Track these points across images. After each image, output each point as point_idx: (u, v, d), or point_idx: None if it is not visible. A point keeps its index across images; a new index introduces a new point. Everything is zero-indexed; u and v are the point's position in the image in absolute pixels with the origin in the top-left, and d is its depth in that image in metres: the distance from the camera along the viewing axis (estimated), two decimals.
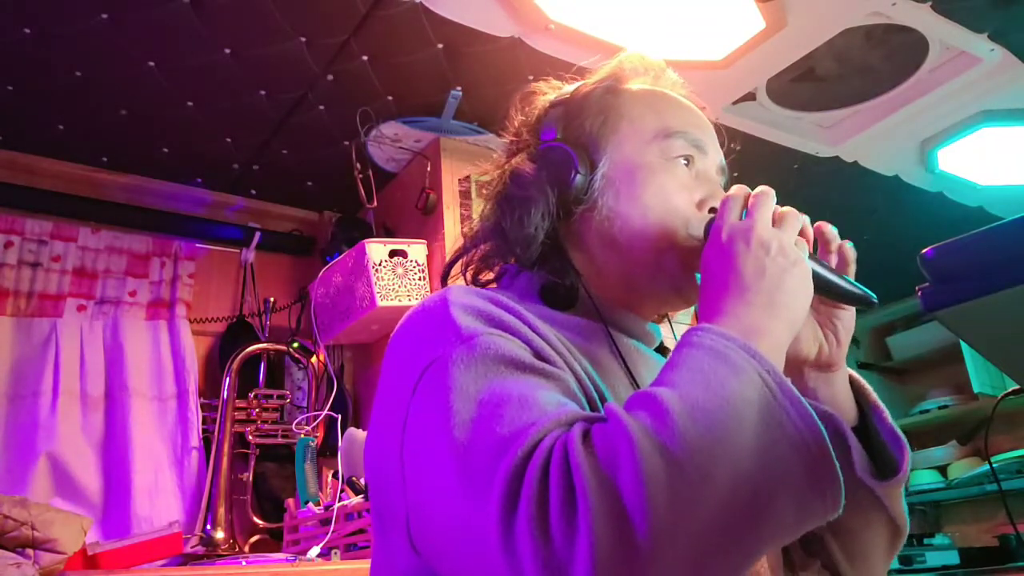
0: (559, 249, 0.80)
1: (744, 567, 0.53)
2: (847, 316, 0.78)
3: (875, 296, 0.73)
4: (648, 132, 0.81)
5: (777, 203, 0.72)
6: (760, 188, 0.72)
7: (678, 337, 0.82)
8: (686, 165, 0.81)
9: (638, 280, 0.80)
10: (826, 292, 0.73)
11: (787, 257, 0.67)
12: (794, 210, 0.72)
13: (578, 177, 0.79)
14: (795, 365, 0.77)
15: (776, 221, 0.70)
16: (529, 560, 0.49)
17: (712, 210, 0.79)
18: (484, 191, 0.87)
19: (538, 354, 0.65)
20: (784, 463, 0.54)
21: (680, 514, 0.49)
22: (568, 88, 0.88)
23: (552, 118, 0.85)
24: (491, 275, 0.86)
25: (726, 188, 0.83)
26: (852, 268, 0.77)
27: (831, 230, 0.78)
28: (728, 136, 0.88)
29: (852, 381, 0.81)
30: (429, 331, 0.66)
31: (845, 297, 0.75)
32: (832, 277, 0.73)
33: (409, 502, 0.62)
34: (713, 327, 0.61)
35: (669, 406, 0.53)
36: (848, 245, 0.78)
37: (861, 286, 0.74)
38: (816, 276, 0.70)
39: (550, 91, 0.89)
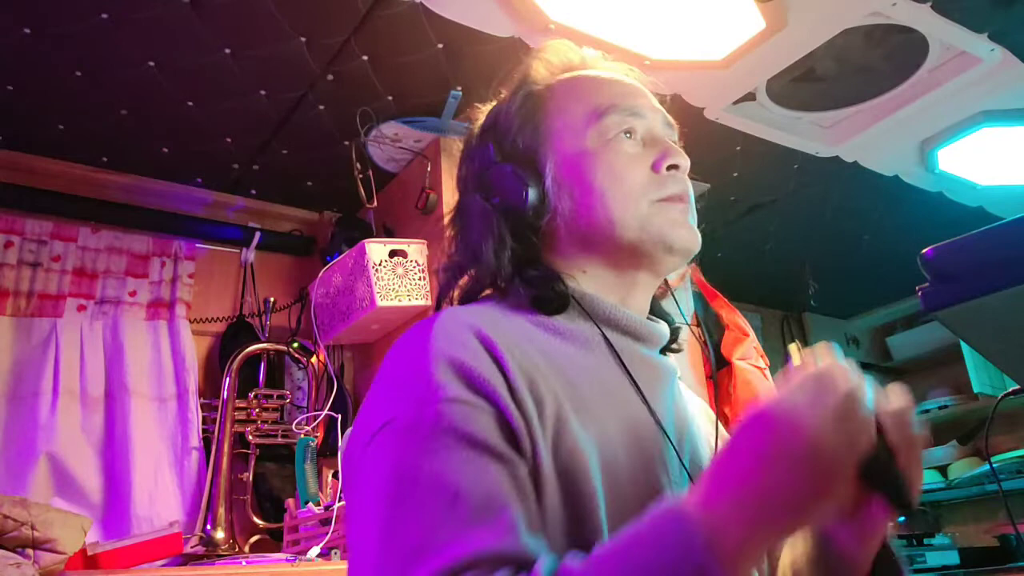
0: (537, 260, 0.80)
1: None
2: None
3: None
4: (579, 120, 0.80)
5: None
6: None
7: (683, 309, 0.82)
8: (628, 137, 0.80)
9: (624, 262, 0.79)
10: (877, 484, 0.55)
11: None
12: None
13: (530, 192, 0.78)
14: None
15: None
16: None
17: (672, 167, 0.78)
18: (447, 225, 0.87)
19: (506, 422, 0.63)
20: None
21: None
22: (488, 109, 0.88)
23: (485, 145, 0.85)
24: (482, 293, 0.85)
25: (677, 141, 0.83)
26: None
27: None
28: (728, 136, 0.88)
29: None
30: (402, 376, 0.67)
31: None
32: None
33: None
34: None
35: None
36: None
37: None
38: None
39: (480, 116, 0.89)
